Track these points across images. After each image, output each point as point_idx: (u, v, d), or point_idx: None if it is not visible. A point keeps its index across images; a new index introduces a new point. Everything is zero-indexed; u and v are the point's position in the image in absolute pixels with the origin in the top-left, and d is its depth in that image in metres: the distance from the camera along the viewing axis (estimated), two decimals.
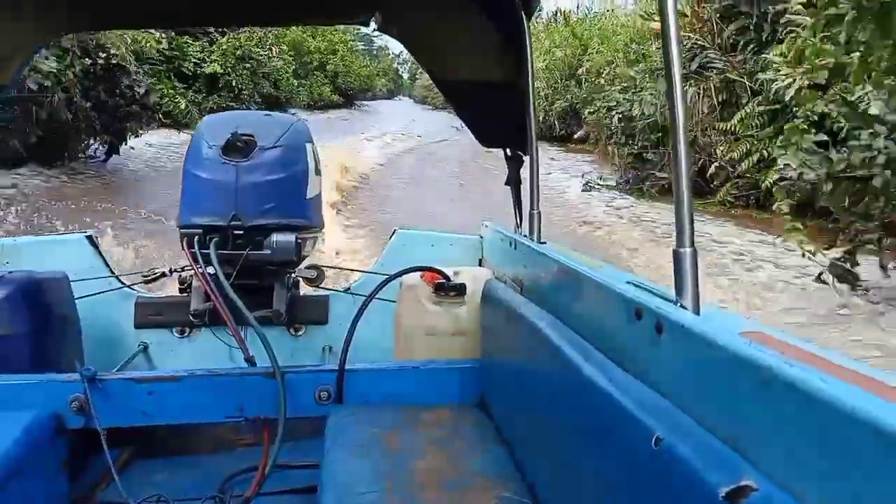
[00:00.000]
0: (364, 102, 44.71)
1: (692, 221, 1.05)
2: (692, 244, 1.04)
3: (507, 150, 2.40)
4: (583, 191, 12.96)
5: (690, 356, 0.94)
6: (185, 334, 2.53)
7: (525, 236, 2.10)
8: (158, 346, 2.53)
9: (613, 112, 12.82)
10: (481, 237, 2.59)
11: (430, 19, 2.24)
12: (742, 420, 0.82)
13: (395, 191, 13.02)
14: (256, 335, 1.89)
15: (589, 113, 15.40)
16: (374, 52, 67.94)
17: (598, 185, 13.31)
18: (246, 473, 1.99)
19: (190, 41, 20.27)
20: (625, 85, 13.09)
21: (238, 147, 2.23)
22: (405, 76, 67.94)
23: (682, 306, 1.04)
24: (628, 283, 1.28)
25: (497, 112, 2.33)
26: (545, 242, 2.04)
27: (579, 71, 18.76)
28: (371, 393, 1.89)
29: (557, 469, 1.27)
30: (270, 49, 24.12)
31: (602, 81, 15.77)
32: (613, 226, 9.96)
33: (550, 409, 1.34)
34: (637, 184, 12.29)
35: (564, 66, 20.09)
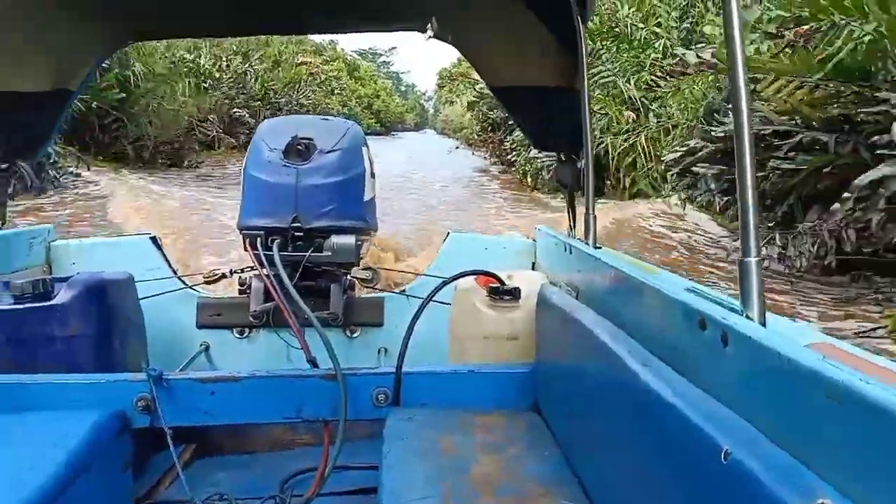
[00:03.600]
0: (397, 133, 60.21)
1: (757, 231, 1.03)
2: (758, 253, 1.03)
3: (561, 154, 2.39)
4: None
5: (759, 368, 0.92)
6: (245, 335, 2.58)
7: (579, 240, 2.09)
8: (219, 346, 2.58)
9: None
10: (534, 241, 2.59)
11: (484, 26, 2.25)
12: (815, 436, 0.80)
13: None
14: (314, 337, 1.92)
15: None
16: (403, 90, 73.78)
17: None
18: (305, 474, 2.01)
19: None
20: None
21: (298, 150, 2.27)
22: (431, 111, 74.43)
23: (747, 317, 1.02)
24: (688, 290, 1.27)
25: (551, 116, 2.33)
26: (600, 247, 2.03)
27: None
28: (427, 396, 1.90)
29: (617, 478, 1.26)
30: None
31: None
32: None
33: (609, 416, 1.33)
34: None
35: None
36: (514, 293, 2.08)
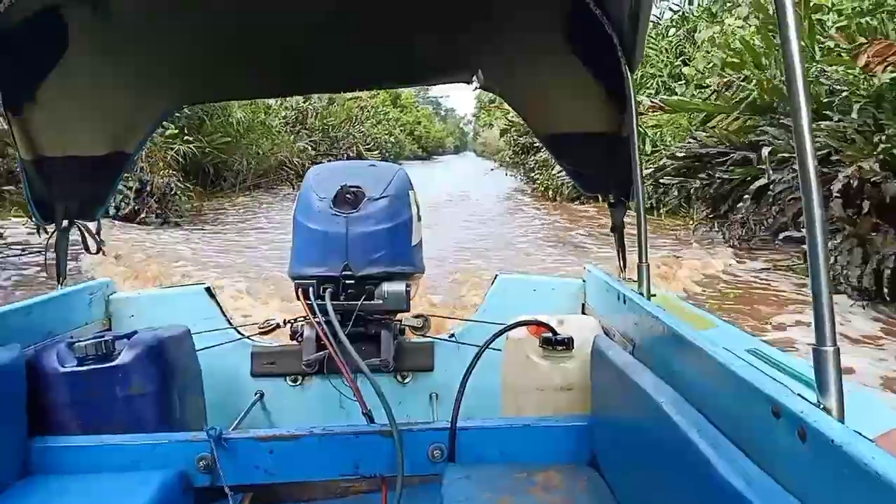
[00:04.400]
0: (437, 157, 64.01)
1: (833, 317, 1.00)
2: (834, 342, 0.99)
3: (611, 197, 2.37)
4: None
5: (841, 472, 0.89)
6: (298, 383, 2.61)
7: (632, 290, 2.06)
8: (273, 395, 2.61)
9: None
10: (583, 281, 2.57)
11: (532, 76, 2.26)
12: None
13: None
14: (367, 383, 1.91)
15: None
16: (443, 114, 76.07)
17: None
18: None
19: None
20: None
21: (347, 199, 2.30)
22: (470, 134, 76.32)
23: (824, 408, 0.99)
24: (751, 352, 1.25)
25: (598, 161, 2.33)
26: (654, 295, 1.99)
27: None
28: (482, 450, 1.89)
29: None
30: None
31: None
32: None
33: (673, 490, 1.29)
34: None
35: None
36: (568, 343, 2.07)
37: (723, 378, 1.23)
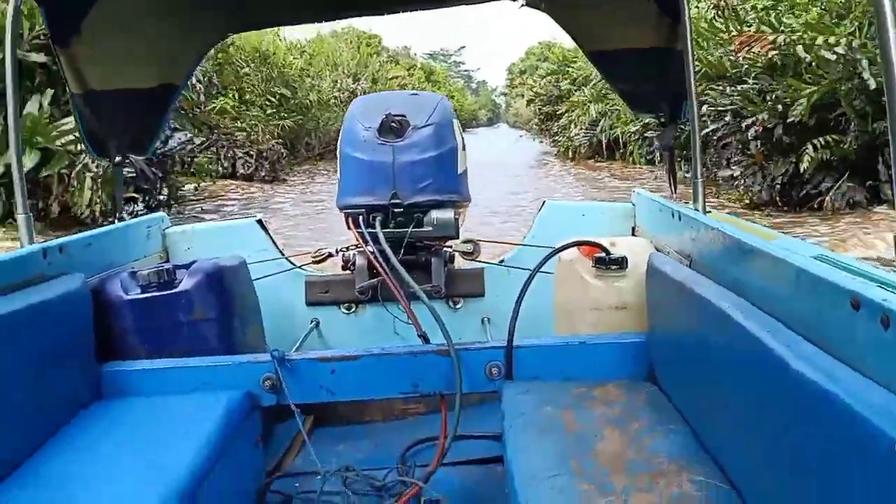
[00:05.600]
0: (471, 129, 65.16)
1: None
2: None
3: (661, 117, 2.32)
4: None
5: None
6: (352, 310, 2.66)
7: (686, 205, 2.02)
8: (328, 323, 2.66)
9: None
10: (633, 205, 2.53)
11: None
12: None
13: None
14: (418, 309, 1.95)
15: None
16: (475, 87, 75.28)
17: None
18: (423, 444, 2.04)
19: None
20: None
21: (392, 128, 2.30)
22: (502, 106, 75.78)
23: None
24: (817, 258, 1.21)
25: (649, 79, 2.28)
26: (710, 211, 1.95)
27: None
28: (539, 368, 1.90)
29: (761, 461, 1.22)
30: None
31: None
32: None
33: (746, 395, 1.28)
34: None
35: None
36: (621, 262, 2.05)
37: (793, 278, 1.20)
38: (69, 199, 8.40)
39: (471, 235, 2.57)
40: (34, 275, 1.73)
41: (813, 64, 7.91)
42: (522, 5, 2.20)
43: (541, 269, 2.01)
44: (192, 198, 11.94)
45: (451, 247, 2.50)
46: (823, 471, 0.98)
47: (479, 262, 2.61)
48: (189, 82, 11.75)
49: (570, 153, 19.15)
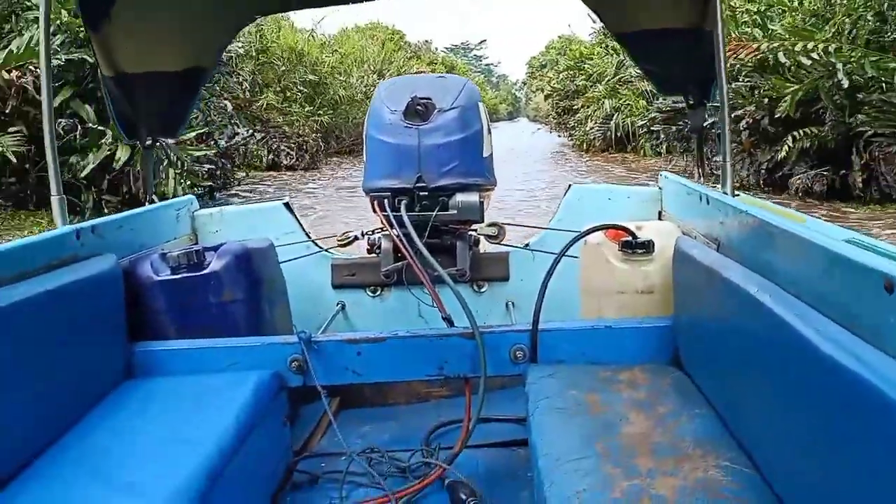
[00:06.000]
0: (491, 124, 60.03)
1: None
2: None
3: (690, 98, 2.29)
4: None
5: None
6: (377, 293, 2.67)
7: (714, 188, 1.99)
8: (354, 306, 2.68)
9: None
10: (660, 188, 2.51)
11: None
12: None
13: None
14: (443, 293, 1.95)
15: None
16: (495, 81, 75.43)
17: None
18: (447, 426, 2.05)
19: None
20: None
21: (418, 111, 2.30)
22: (522, 100, 75.71)
23: None
24: (849, 241, 1.19)
25: (677, 59, 2.25)
26: (738, 195, 1.93)
27: None
28: (564, 352, 1.90)
29: (789, 446, 1.20)
30: None
31: None
32: None
33: (774, 379, 1.27)
34: None
35: None
36: (648, 246, 2.04)
37: (824, 261, 1.18)
38: (156, 186, 9.89)
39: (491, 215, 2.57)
40: (68, 255, 1.76)
41: (792, 67, 8.79)
42: None
43: (567, 254, 2.00)
44: (246, 184, 13.42)
45: (475, 230, 2.49)
46: (854, 457, 0.97)
47: (504, 245, 2.60)
48: (238, 80, 13.99)
49: (586, 146, 20.05)
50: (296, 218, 2.72)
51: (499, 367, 1.89)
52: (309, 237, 2.70)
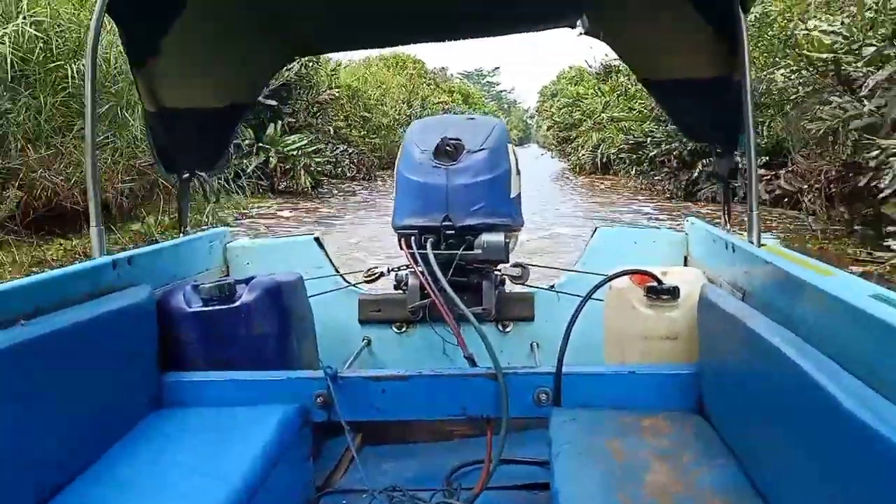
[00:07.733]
0: None
1: None
2: None
3: (717, 147, 2.32)
4: None
5: None
6: (403, 330, 2.70)
7: (739, 236, 2.01)
8: (380, 342, 2.71)
9: None
10: (686, 234, 2.53)
11: (638, 20, 2.22)
12: None
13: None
14: (468, 332, 1.97)
15: None
16: (506, 107, 76.51)
17: None
18: (469, 466, 2.06)
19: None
20: None
21: (447, 151, 2.34)
22: (533, 126, 76.87)
23: None
24: (875, 297, 1.19)
25: (706, 108, 2.27)
26: (764, 245, 1.94)
27: None
28: (588, 396, 1.90)
29: (805, 497, 1.21)
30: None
31: None
32: None
33: (798, 433, 1.27)
34: None
35: None
36: (673, 292, 2.05)
37: (848, 316, 1.18)
38: (290, 181, 14.88)
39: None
40: (105, 285, 1.81)
41: None
42: (581, 34, 2.23)
43: (594, 298, 2.01)
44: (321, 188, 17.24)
45: (500, 270, 2.51)
46: None
47: (529, 286, 2.62)
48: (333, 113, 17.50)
49: (578, 169, 25.24)
50: (325, 252, 2.76)
51: (522, 409, 1.90)
52: (337, 272, 2.75)
